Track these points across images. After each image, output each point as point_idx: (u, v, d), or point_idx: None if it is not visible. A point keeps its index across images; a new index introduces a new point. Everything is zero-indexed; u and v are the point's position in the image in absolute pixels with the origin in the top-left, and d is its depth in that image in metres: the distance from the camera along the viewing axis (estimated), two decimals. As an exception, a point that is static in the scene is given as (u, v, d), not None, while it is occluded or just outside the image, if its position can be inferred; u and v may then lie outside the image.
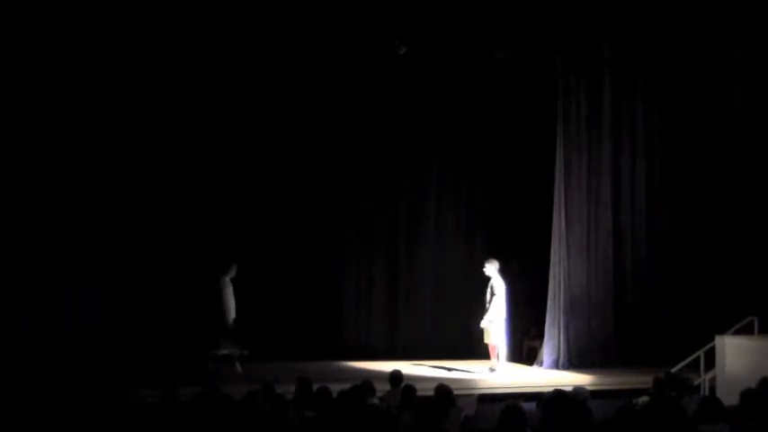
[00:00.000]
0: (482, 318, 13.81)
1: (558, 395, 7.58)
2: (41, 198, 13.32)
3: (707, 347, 12.77)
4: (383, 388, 9.76)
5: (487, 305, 13.79)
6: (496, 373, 13.65)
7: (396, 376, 9.95)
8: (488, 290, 13.83)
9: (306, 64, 14.60)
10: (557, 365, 14.52)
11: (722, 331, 12.81)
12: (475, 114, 16.06)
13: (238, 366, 13.28)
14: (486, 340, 13.90)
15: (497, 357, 13.86)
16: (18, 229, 13.17)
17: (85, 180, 13.62)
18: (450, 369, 14.15)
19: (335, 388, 8.54)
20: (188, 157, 14.27)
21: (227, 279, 13.44)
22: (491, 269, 13.88)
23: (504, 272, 14.06)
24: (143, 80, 13.82)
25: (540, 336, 14.93)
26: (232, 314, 13.35)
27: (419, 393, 8.94)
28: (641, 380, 11.16)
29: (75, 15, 12.94)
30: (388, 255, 16.07)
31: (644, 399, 8.97)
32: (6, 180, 13.09)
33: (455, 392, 8.49)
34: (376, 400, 8.75)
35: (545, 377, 13.80)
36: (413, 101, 15.59)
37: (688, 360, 12.84)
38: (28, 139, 13.19)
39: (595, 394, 9.98)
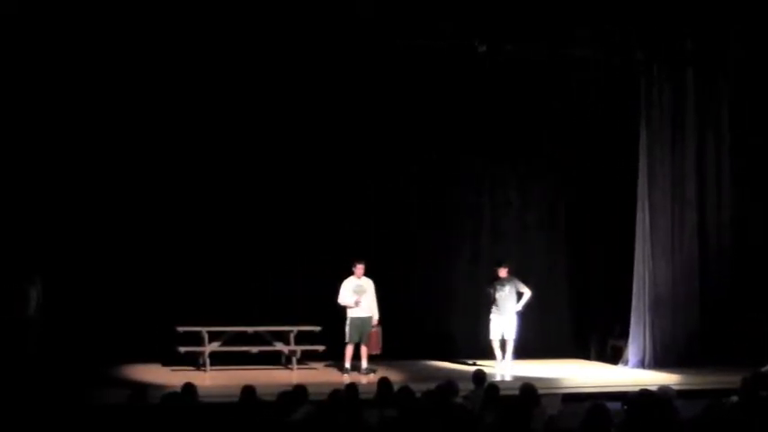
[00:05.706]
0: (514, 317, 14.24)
1: (644, 395, 7.50)
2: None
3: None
4: (467, 387, 9.78)
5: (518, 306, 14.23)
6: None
7: (479, 375, 9.95)
8: (506, 290, 14.16)
9: (396, 64, 14.84)
10: (642, 365, 14.35)
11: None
12: (556, 113, 15.92)
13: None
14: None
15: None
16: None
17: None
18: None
19: (418, 387, 8.58)
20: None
21: None
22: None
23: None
24: (148, 83, 14.15)
25: (625, 334, 14.76)
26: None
27: (502, 392, 8.94)
28: (729, 379, 10.93)
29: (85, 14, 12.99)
30: (470, 254, 16.06)
31: (733, 399, 8.81)
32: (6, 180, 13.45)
33: (539, 392, 8.45)
34: (460, 400, 8.76)
35: (630, 376, 13.69)
36: (493, 100, 15.55)
37: (778, 359, 12.62)
38: (31, 139, 13.57)
39: (682, 394, 9.83)
